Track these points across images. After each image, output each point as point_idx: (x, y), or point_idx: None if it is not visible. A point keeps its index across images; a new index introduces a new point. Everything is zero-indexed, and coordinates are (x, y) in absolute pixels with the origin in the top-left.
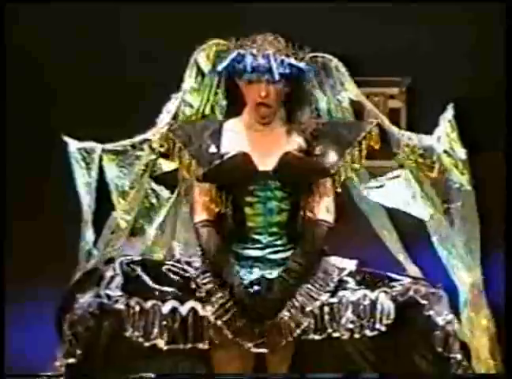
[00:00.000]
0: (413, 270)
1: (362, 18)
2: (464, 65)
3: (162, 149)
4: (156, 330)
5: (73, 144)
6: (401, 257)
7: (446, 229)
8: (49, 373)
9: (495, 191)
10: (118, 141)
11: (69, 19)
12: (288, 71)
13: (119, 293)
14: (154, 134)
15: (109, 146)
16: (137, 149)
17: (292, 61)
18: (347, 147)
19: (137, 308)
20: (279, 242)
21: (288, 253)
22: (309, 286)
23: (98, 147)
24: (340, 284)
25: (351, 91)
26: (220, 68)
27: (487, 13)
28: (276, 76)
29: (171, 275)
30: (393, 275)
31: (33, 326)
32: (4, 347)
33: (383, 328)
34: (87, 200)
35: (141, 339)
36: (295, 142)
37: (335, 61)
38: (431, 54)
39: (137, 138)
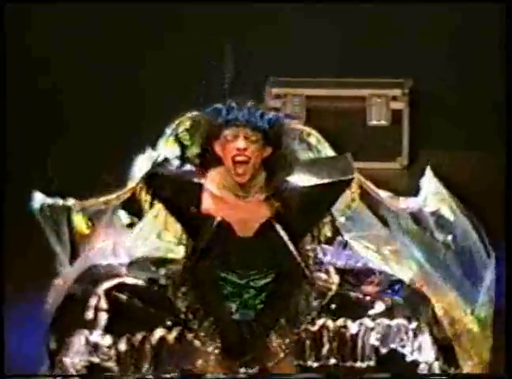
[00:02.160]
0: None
1: (364, 19)
2: (467, 66)
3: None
4: (146, 362)
5: (39, 200)
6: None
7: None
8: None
9: (495, 190)
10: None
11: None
12: (266, 125)
13: (109, 341)
14: (125, 193)
15: (77, 205)
16: (106, 207)
17: (271, 115)
18: (325, 209)
19: (128, 347)
20: (260, 273)
21: (269, 279)
22: (292, 311)
23: (64, 205)
24: (321, 310)
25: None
26: (199, 116)
27: (487, 13)
28: (259, 124)
29: (157, 299)
30: (374, 300)
31: (33, 326)
32: (4, 347)
33: (364, 366)
34: (62, 255)
35: (131, 376)
36: (273, 209)
37: (315, 134)
38: (434, 56)
39: (104, 198)
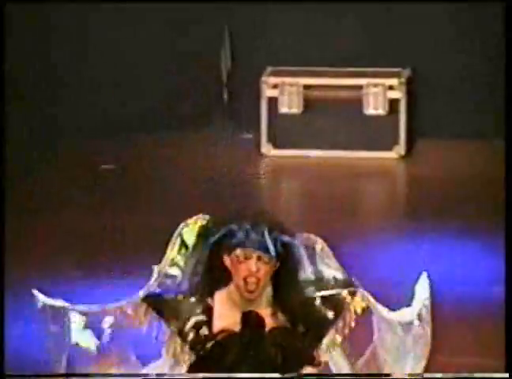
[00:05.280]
0: None
1: (361, 8)
2: (464, 55)
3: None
4: None
5: (41, 300)
6: None
7: None
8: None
9: (493, 178)
10: None
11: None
12: (280, 249)
13: None
14: (128, 304)
15: (79, 308)
16: (107, 314)
17: (285, 238)
18: (328, 326)
19: None
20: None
21: None
22: None
23: (66, 307)
24: None
25: (335, 270)
26: (211, 241)
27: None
28: (273, 253)
29: None
30: None
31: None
32: (4, 347)
33: None
34: (60, 361)
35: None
36: (280, 323)
37: (320, 242)
38: (431, 45)
39: (110, 306)
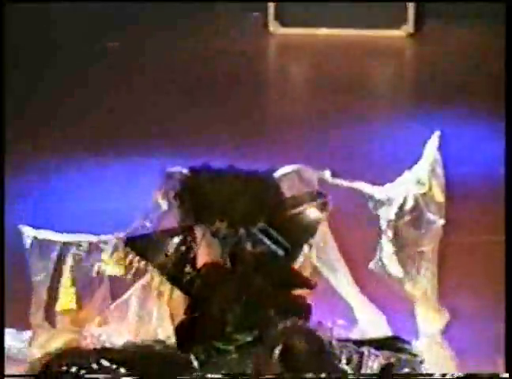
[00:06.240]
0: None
1: None
2: None
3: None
4: None
5: (30, 233)
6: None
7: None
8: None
9: (497, 59)
10: None
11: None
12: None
13: None
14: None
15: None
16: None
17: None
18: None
19: None
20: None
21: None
22: None
23: (57, 241)
24: None
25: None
26: None
27: None
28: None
29: None
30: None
31: None
32: (4, 347)
33: None
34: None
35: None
36: (260, 249)
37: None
38: None
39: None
